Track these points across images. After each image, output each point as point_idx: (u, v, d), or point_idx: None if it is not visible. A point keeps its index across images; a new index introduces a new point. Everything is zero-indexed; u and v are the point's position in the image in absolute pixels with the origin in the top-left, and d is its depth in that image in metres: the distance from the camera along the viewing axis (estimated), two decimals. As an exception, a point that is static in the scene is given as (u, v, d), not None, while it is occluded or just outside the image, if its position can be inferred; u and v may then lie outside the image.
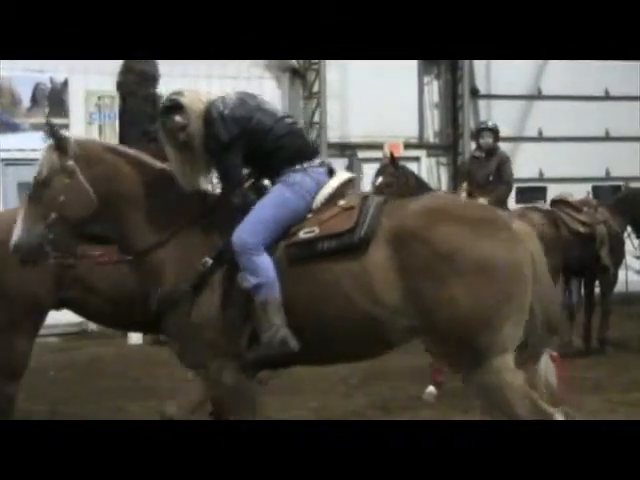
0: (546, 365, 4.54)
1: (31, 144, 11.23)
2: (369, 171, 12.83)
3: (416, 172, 12.05)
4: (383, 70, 14.50)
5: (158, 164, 4.58)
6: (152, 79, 7.67)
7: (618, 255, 10.80)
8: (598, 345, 10.71)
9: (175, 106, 4.49)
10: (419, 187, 9.97)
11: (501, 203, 9.58)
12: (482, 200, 9.23)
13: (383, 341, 4.29)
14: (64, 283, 5.73)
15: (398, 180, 9.99)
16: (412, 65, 15.42)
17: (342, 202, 4.33)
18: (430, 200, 5.02)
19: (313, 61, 14.88)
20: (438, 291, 4.07)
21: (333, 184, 4.54)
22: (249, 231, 4.27)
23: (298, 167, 4.42)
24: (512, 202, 11.12)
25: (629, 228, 11.35)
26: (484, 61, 15.74)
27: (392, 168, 10.12)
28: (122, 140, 7.70)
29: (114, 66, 11.35)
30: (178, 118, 4.47)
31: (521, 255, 4.21)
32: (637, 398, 7.63)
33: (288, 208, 4.34)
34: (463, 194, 9.92)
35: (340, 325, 4.21)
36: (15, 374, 5.73)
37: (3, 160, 13.63)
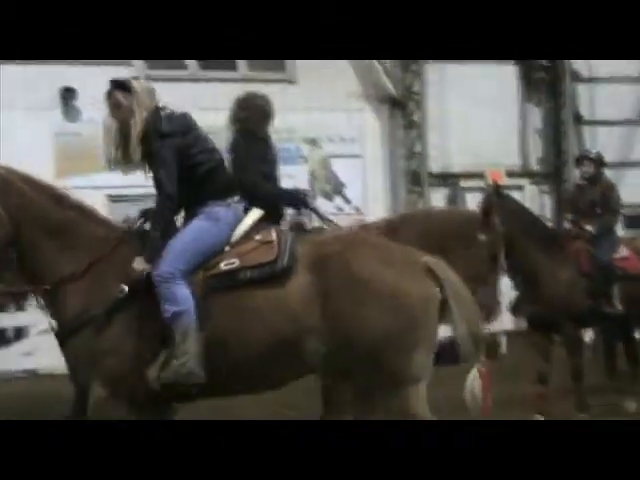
0: (473, 379, 4.82)
1: (137, 181, 12.07)
2: (472, 200, 12.99)
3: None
4: (483, 98, 15.21)
5: (73, 197, 4.73)
6: (270, 118, 7.50)
7: None
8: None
9: (124, 85, 4.74)
10: (524, 215, 9.98)
11: (608, 231, 9.61)
12: (588, 228, 9.43)
13: (301, 363, 4.50)
14: None
15: (502, 206, 10.05)
16: (513, 92, 15.92)
17: (258, 236, 4.65)
18: (344, 232, 5.97)
19: (413, 90, 15.32)
20: (354, 311, 4.38)
21: (249, 220, 4.85)
22: (169, 261, 4.44)
23: (223, 201, 4.68)
24: (620, 229, 10.91)
25: None
26: (587, 85, 16.13)
27: (496, 197, 10.20)
28: (236, 176, 7.31)
29: (210, 101, 12.93)
30: (120, 96, 4.71)
31: (430, 289, 4.59)
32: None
33: (208, 241, 4.57)
34: (567, 223, 10.17)
35: (260, 348, 4.44)
36: None
37: (110, 197, 14.37)
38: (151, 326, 4.46)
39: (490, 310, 7.35)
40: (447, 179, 15.88)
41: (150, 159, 4.76)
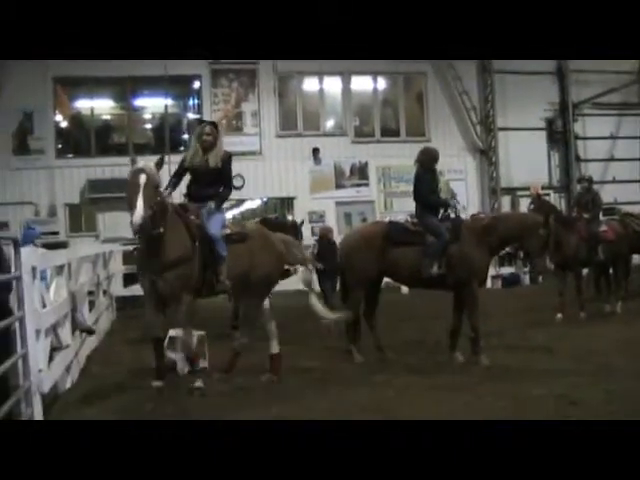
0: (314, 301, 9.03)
1: (348, 193, 22.09)
2: (524, 202, 21.69)
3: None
4: (528, 147, 24.53)
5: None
6: (436, 160, 9.80)
7: None
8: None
9: (212, 123, 8.40)
10: (554, 210, 13.57)
11: (595, 217, 13.67)
12: (585, 215, 13.51)
13: (248, 284, 8.46)
14: None
15: (542, 206, 13.00)
16: (544, 144, 25.45)
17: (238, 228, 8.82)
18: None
19: (491, 145, 24.36)
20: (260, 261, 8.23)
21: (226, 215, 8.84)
22: (218, 228, 8.02)
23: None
24: (601, 216, 14.92)
25: None
26: (582, 142, 25.42)
27: (538, 200, 13.79)
28: (418, 192, 9.69)
29: (396, 150, 21.13)
30: (209, 129, 8.20)
31: (283, 255, 8.86)
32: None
33: (222, 222, 8.39)
34: (574, 213, 14.13)
35: (236, 270, 8.21)
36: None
37: (336, 202, 23.27)
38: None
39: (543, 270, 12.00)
40: (510, 191, 24.62)
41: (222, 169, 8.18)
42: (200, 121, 8.59)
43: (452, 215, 9.55)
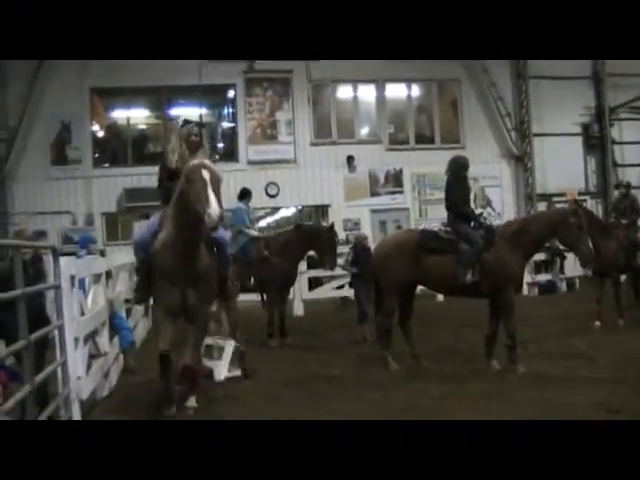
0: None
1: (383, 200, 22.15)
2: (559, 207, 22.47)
3: (587, 206, 19.60)
4: (565, 152, 24.27)
5: None
6: (466, 168, 9.88)
7: None
8: None
9: (198, 123, 7.80)
10: (592, 214, 13.44)
11: (634, 223, 13.46)
12: (623, 221, 13.35)
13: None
14: None
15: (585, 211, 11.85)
16: (580, 150, 25.24)
17: None
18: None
19: (526, 150, 24.27)
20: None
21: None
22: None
23: None
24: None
25: None
26: (619, 147, 25.13)
27: (575, 205, 11.78)
28: (449, 200, 9.72)
29: (431, 158, 20.80)
30: (196, 129, 7.64)
31: None
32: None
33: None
34: (612, 220, 13.87)
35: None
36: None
37: (371, 210, 23.45)
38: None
39: (589, 257, 9.56)
40: (546, 197, 23.96)
41: None
42: (186, 122, 7.74)
43: (485, 222, 9.57)
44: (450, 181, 9.76)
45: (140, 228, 7.12)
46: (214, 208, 6.43)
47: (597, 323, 12.69)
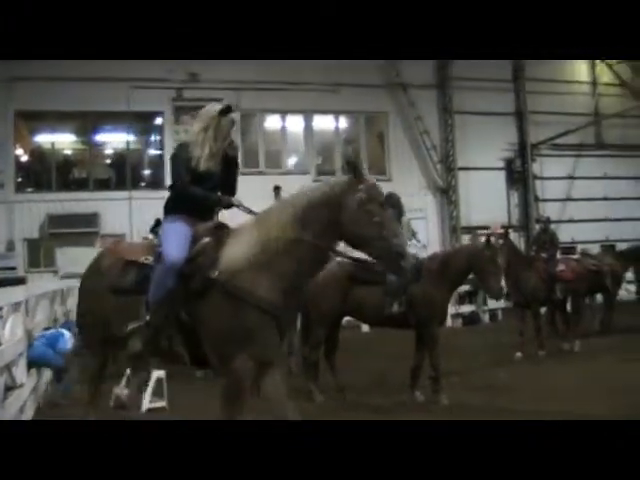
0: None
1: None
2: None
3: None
4: (488, 187, 24.80)
5: None
6: (398, 205, 9.99)
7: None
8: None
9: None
10: (514, 247, 13.92)
11: (553, 257, 13.85)
12: (543, 255, 13.76)
13: None
14: None
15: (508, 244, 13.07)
16: (502, 184, 25.93)
17: None
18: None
19: (451, 184, 24.70)
20: None
21: None
22: None
23: None
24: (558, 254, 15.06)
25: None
26: (540, 182, 25.85)
27: (501, 234, 14.04)
28: None
29: None
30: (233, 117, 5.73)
31: None
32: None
33: None
34: (533, 253, 14.21)
35: None
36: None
37: None
38: None
39: (495, 292, 9.66)
40: (470, 230, 24.36)
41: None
42: (228, 108, 5.81)
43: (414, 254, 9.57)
44: None
45: (170, 245, 5.36)
46: (409, 257, 5.27)
47: (518, 354, 12.83)
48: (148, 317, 5.36)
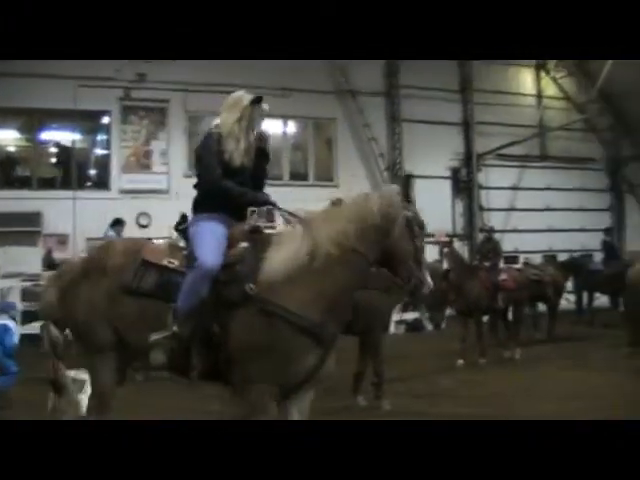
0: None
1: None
2: (428, 248, 23.42)
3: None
4: (434, 197, 23.49)
5: None
6: None
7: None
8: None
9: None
10: (458, 256, 14.32)
11: (495, 266, 14.17)
12: (486, 264, 14.02)
13: None
14: None
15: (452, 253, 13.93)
16: (448, 193, 26.18)
17: None
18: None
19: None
20: None
21: None
22: None
23: None
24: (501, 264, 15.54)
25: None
26: (485, 191, 26.28)
27: (447, 243, 14.80)
28: None
29: (304, 194, 20.97)
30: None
31: None
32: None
33: None
34: (476, 262, 14.67)
35: None
36: None
37: None
38: None
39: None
40: None
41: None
42: (258, 98, 5.37)
43: None
44: None
45: (205, 249, 4.89)
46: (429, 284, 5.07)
47: (460, 361, 12.99)
48: (175, 327, 4.82)
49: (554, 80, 29.12)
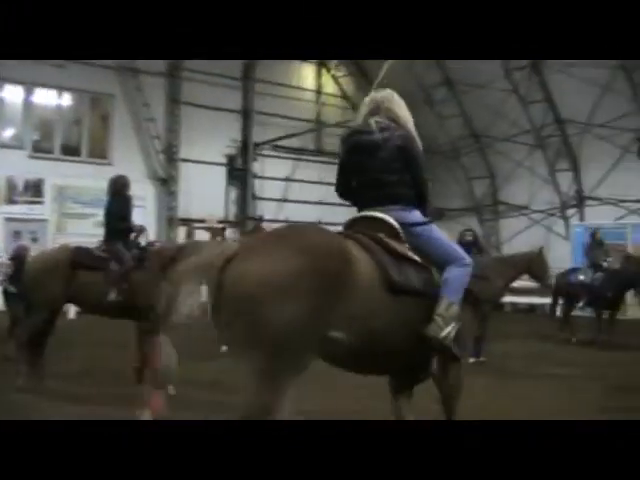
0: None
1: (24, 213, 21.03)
2: (199, 233, 23.56)
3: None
4: (207, 182, 25.11)
5: None
6: (126, 188, 9.94)
7: None
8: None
9: None
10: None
11: None
12: None
13: None
14: None
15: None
16: (223, 180, 26.36)
17: None
18: None
19: (172, 174, 24.73)
20: None
21: None
22: None
23: None
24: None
25: None
26: (258, 181, 26.78)
27: (220, 231, 18.49)
28: (107, 218, 9.77)
29: (76, 170, 20.71)
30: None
31: None
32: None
33: None
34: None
35: None
36: None
37: None
38: None
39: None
40: (187, 222, 24.93)
41: None
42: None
43: (143, 243, 9.59)
44: (109, 199, 9.74)
45: (455, 245, 5.07)
46: None
47: (224, 348, 12.74)
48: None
49: (334, 78, 30.11)
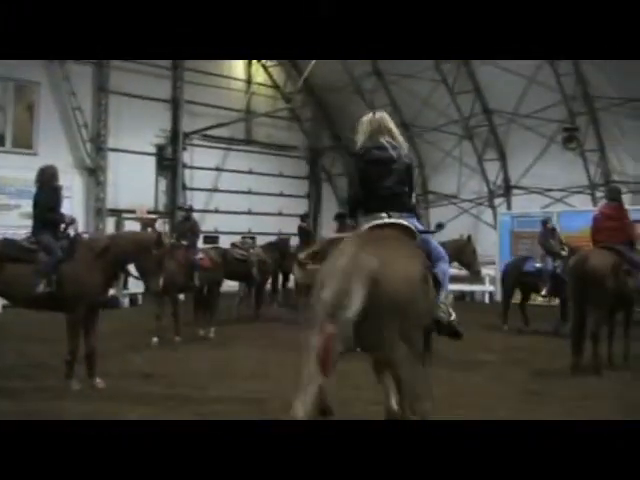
0: None
1: None
2: (129, 225, 22.96)
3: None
4: (138, 172, 24.92)
5: None
6: (54, 178, 9.68)
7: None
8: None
9: None
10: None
11: (194, 244, 14.93)
12: (184, 242, 14.46)
13: None
14: None
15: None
16: (152, 171, 26.11)
17: None
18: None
19: (100, 165, 24.34)
20: None
21: None
22: None
23: None
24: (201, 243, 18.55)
25: None
26: (189, 171, 26.76)
27: (151, 221, 18.03)
28: (35, 209, 9.49)
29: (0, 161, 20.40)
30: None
31: None
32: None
33: None
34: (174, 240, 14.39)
35: None
36: None
37: None
38: None
39: (156, 289, 10.30)
40: (116, 212, 24.67)
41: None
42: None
43: (72, 233, 9.44)
44: (37, 190, 9.56)
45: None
46: None
47: (154, 339, 13.11)
48: None
49: (264, 68, 30.11)
